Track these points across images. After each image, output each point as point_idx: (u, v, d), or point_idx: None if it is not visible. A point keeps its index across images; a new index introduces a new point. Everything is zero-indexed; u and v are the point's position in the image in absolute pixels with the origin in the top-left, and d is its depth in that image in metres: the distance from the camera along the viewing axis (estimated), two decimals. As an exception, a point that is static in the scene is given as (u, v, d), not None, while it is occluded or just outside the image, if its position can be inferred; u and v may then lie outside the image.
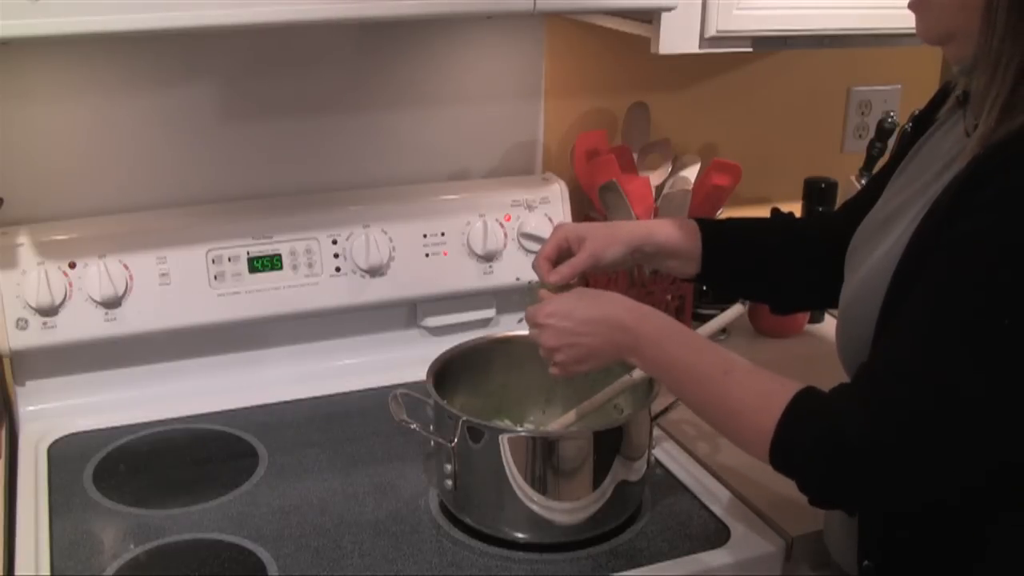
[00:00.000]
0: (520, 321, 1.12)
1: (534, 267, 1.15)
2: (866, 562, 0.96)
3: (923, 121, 1.04)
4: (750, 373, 0.92)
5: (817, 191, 1.67)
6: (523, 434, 1.12)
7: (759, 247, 1.19)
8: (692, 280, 1.21)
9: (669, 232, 1.16)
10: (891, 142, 1.64)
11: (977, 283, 0.79)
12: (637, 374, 1.16)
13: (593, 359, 1.03)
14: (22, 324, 1.30)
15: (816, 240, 1.17)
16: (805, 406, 0.86)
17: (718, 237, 1.17)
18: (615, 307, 1.01)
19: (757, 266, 1.19)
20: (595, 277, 1.55)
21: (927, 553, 0.91)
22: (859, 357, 0.89)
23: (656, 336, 0.98)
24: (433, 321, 1.53)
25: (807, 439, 0.84)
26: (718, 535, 1.14)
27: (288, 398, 1.43)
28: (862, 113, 1.88)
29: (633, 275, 1.53)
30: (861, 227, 1.03)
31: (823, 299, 1.09)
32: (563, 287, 1.11)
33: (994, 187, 0.79)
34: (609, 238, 1.14)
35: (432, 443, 1.15)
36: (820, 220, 1.25)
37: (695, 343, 0.97)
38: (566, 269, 1.12)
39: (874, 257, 0.95)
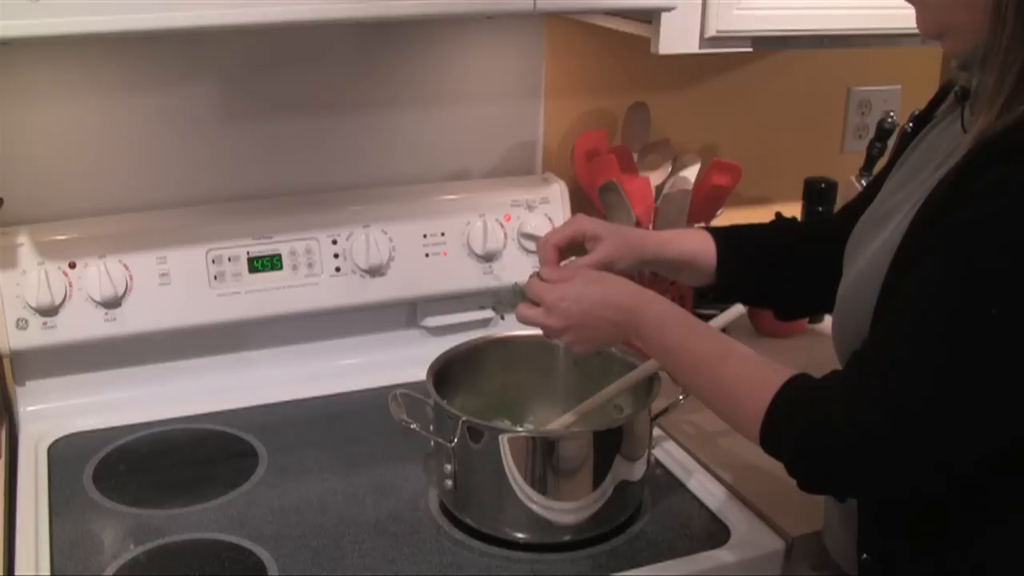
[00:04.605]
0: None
1: (539, 248, 1.13)
2: (864, 556, 0.96)
3: (923, 120, 1.04)
4: (745, 359, 0.93)
5: (817, 191, 1.67)
6: (523, 434, 1.12)
7: (771, 255, 1.19)
8: (704, 289, 1.20)
9: (684, 245, 1.16)
10: (891, 142, 1.63)
11: (966, 272, 0.79)
12: (637, 373, 1.16)
13: (598, 341, 1.06)
14: (22, 324, 1.30)
15: (822, 244, 1.17)
16: (795, 393, 0.86)
17: (732, 248, 1.17)
18: (621, 291, 1.03)
19: (769, 274, 1.19)
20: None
21: (924, 546, 0.91)
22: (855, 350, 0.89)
23: (658, 320, 0.99)
24: (433, 321, 1.53)
25: (795, 425, 0.85)
26: (718, 535, 1.14)
27: (288, 398, 1.43)
28: (862, 113, 1.88)
29: (633, 275, 1.52)
30: (859, 223, 1.04)
31: (830, 303, 1.09)
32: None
33: (987, 178, 0.80)
34: (625, 247, 1.13)
35: (432, 443, 1.15)
36: (824, 224, 1.25)
37: (695, 329, 0.98)
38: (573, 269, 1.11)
39: (871, 251, 0.95)
